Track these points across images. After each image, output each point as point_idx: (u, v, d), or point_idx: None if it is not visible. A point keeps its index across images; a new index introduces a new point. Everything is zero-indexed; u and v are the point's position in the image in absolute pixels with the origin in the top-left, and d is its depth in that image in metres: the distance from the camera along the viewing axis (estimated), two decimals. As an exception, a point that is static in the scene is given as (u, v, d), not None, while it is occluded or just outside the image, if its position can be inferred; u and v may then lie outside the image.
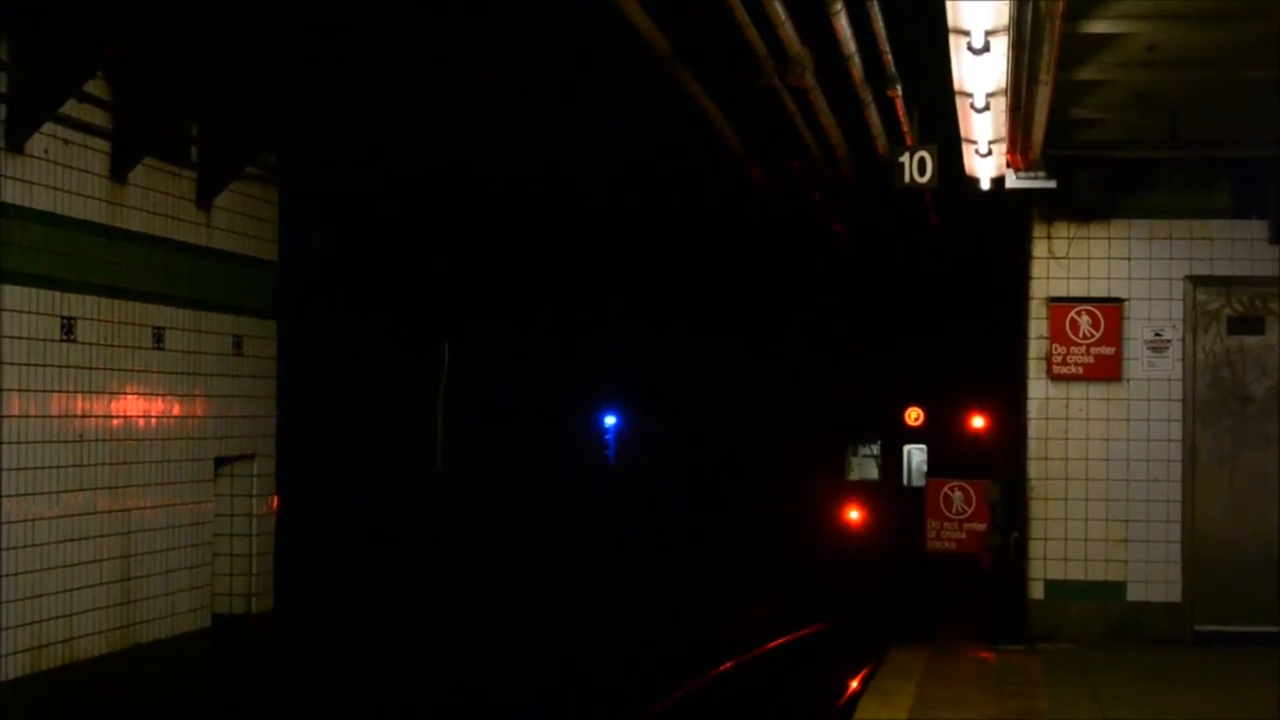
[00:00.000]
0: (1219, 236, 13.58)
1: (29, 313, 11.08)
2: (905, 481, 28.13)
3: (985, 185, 13.36)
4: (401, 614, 18.69)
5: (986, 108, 10.80)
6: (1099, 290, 13.66)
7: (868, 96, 12.83)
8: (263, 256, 14.62)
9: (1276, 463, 13.42)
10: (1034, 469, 13.63)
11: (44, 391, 11.25)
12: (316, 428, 17.91)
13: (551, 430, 26.86)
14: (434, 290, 21.03)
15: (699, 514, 28.46)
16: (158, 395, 12.82)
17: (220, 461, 14.00)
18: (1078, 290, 13.67)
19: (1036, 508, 13.60)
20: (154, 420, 12.76)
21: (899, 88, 12.56)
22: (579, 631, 19.74)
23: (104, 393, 12.04)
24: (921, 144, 13.35)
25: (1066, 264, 13.69)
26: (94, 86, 11.74)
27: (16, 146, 10.91)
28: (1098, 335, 13.54)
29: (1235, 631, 13.23)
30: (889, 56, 11.93)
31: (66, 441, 11.51)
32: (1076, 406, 13.61)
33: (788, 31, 11.06)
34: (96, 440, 11.92)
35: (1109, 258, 13.67)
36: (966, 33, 9.13)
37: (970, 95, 10.59)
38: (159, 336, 12.84)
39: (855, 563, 27.05)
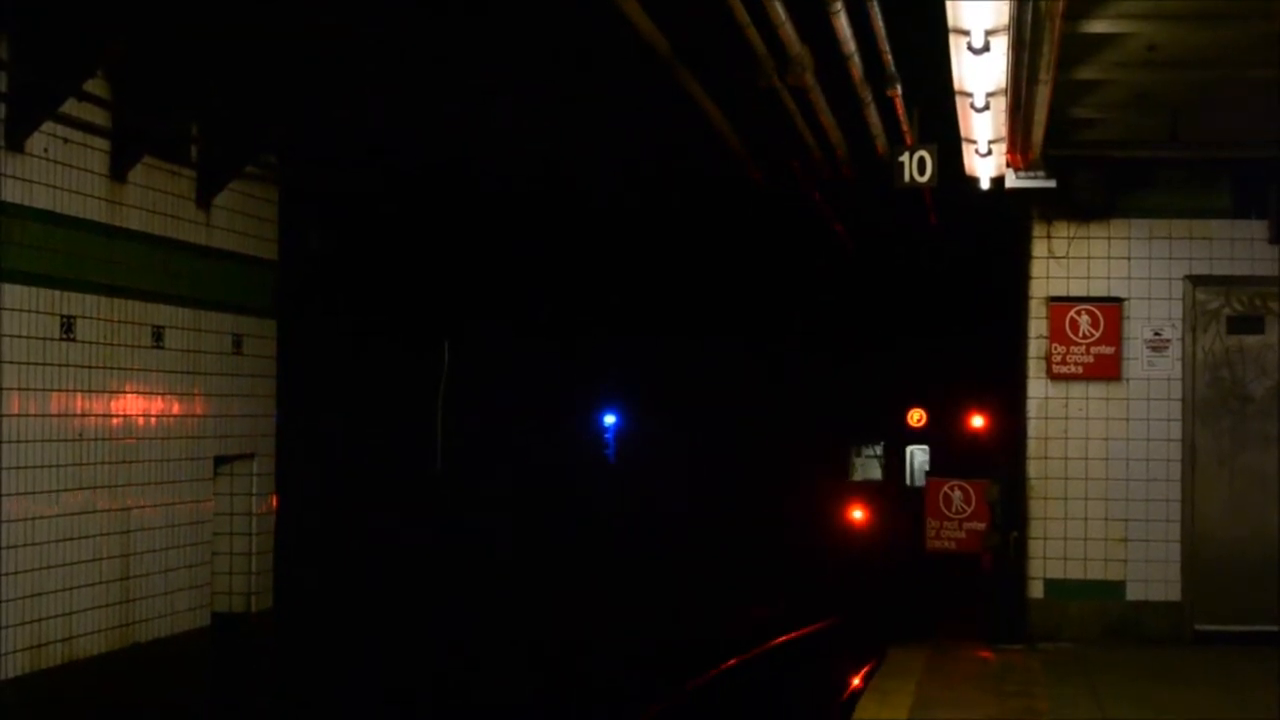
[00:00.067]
0: (1219, 236, 13.58)
1: (29, 311, 11.09)
2: (908, 482, 28.17)
3: (985, 185, 13.36)
4: (401, 613, 18.69)
5: (986, 107, 10.80)
6: (1099, 290, 13.66)
7: (867, 96, 12.83)
8: (263, 256, 14.62)
9: (1276, 462, 13.42)
10: (1033, 468, 13.63)
11: (43, 390, 11.25)
12: (316, 427, 17.91)
13: (551, 430, 26.86)
14: (434, 290, 21.03)
15: (698, 514, 28.47)
16: (157, 394, 12.82)
17: (220, 460, 14.00)
18: (1077, 290, 13.67)
19: (1036, 507, 13.60)
20: (153, 419, 12.76)
21: (899, 87, 12.56)
22: (579, 631, 19.74)
23: (103, 392, 12.04)
24: (921, 144, 13.35)
25: (1066, 263, 13.69)
26: (94, 85, 11.74)
27: (16, 145, 10.92)
28: (1097, 335, 13.55)
29: (1235, 631, 13.23)
30: (889, 56, 11.94)
31: (66, 440, 11.51)
32: (1076, 406, 13.61)
33: (788, 31, 11.06)
34: (96, 439, 11.92)
35: (1109, 257, 13.67)
36: (966, 32, 9.13)
37: (970, 95, 10.59)
38: (159, 335, 12.84)
39: (859, 562, 27.09)
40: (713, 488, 29.05)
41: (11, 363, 10.88)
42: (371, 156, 16.03)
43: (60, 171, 11.47)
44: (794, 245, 22.89)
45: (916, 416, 28.49)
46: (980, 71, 9.95)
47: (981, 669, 12.83)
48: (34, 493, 11.10)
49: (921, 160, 13.21)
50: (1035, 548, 13.59)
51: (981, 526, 14.38)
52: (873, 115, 13.35)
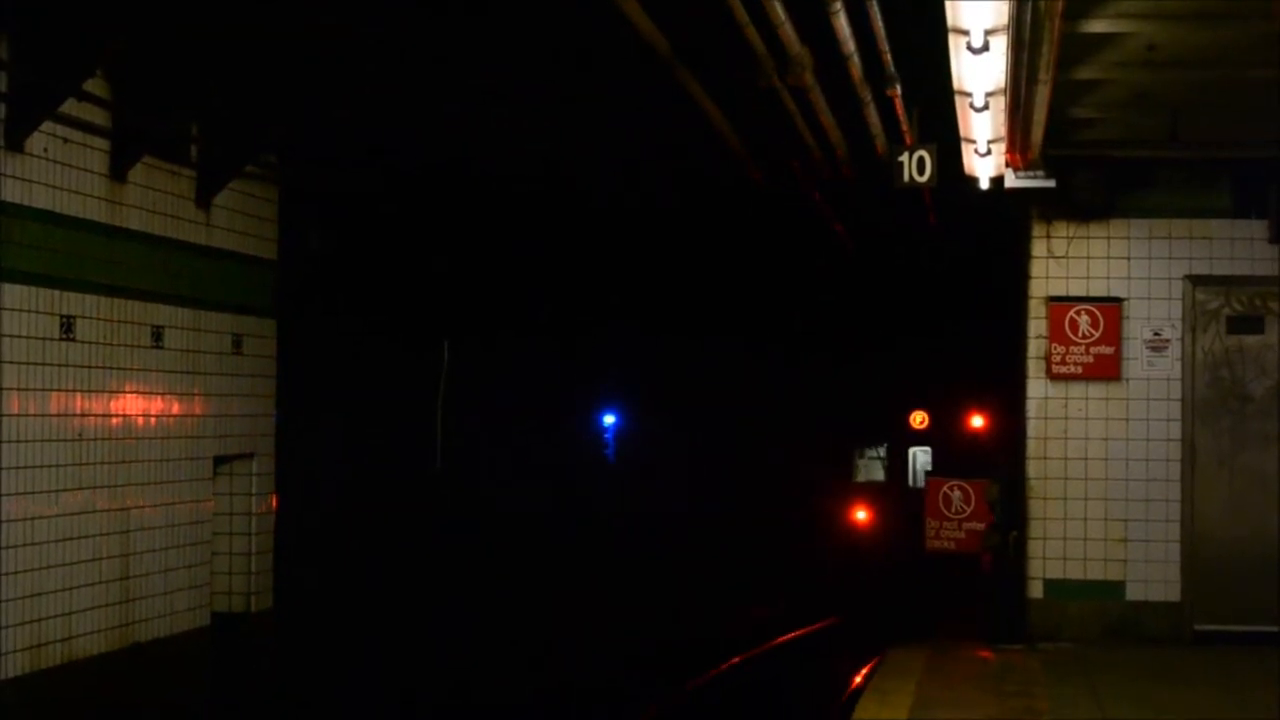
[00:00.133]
0: (1219, 236, 13.58)
1: (28, 311, 11.08)
2: (911, 483, 28.20)
3: (984, 185, 13.36)
4: (401, 613, 18.69)
5: (986, 107, 10.80)
6: (1098, 290, 13.66)
7: (867, 96, 12.83)
8: (262, 255, 14.62)
9: (1276, 462, 13.42)
10: (1033, 468, 13.63)
11: (43, 390, 11.25)
12: (316, 427, 17.91)
13: (551, 430, 26.87)
14: (434, 290, 21.03)
15: (698, 514, 28.48)
16: (157, 394, 12.82)
17: (219, 460, 14.00)
18: (1077, 290, 13.67)
19: (1036, 507, 13.59)
20: (153, 419, 12.76)
21: (898, 87, 12.56)
22: (579, 631, 19.74)
23: (103, 391, 12.04)
24: (921, 143, 13.35)
25: (1066, 263, 13.69)
26: (94, 85, 11.74)
27: (16, 145, 10.91)
28: (1097, 335, 13.54)
29: (1235, 631, 13.22)
30: (888, 56, 11.94)
31: (66, 440, 11.51)
32: (1076, 406, 13.61)
33: (787, 31, 11.06)
34: (96, 439, 11.92)
35: (1108, 257, 13.67)
36: (966, 32, 9.13)
37: (969, 95, 10.59)
38: (158, 335, 12.84)
39: (861, 562, 27.12)
40: (712, 488, 29.07)
41: (11, 363, 10.87)
42: (371, 156, 16.04)
43: (60, 171, 11.47)
44: (794, 245, 22.90)
45: (919, 418, 28.55)
46: (980, 71, 9.95)
47: (981, 669, 12.83)
48: (34, 493, 11.10)
49: (921, 160, 13.21)
50: (1035, 548, 13.59)
51: (981, 526, 14.38)
52: (872, 115, 13.35)
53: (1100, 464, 13.55)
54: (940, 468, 25.86)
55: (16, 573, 10.90)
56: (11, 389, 10.86)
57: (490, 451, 23.82)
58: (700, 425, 29.58)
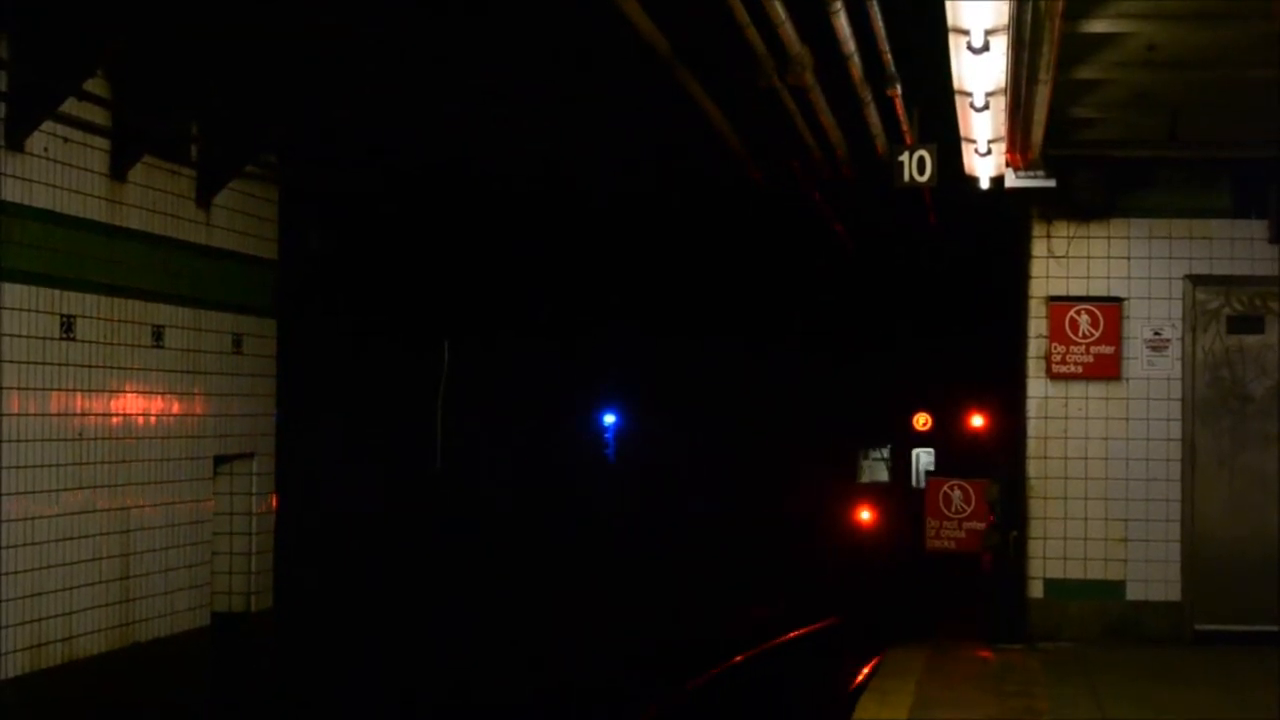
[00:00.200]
0: (1219, 236, 13.58)
1: (29, 311, 11.08)
2: (914, 484, 28.23)
3: (985, 184, 13.36)
4: (401, 613, 18.69)
5: (986, 107, 10.80)
6: (1098, 289, 13.66)
7: (867, 96, 12.83)
8: (262, 255, 14.62)
9: (1276, 462, 13.42)
10: (1033, 468, 13.63)
11: (43, 390, 11.25)
12: (316, 427, 17.91)
13: (551, 430, 26.87)
14: (434, 290, 21.03)
15: (698, 513, 28.49)
16: (157, 394, 12.82)
17: (220, 460, 13.99)
18: (1077, 289, 13.67)
19: (1036, 507, 13.59)
20: (153, 419, 12.76)
21: (899, 87, 12.56)
22: (579, 631, 19.75)
23: (103, 391, 12.04)
24: (921, 143, 13.36)
25: (1066, 263, 13.69)
26: (94, 85, 11.74)
27: (16, 145, 10.91)
28: (1097, 334, 13.55)
29: (1235, 631, 13.23)
30: (888, 56, 11.94)
31: (66, 440, 11.51)
32: (1076, 406, 13.61)
33: (788, 31, 11.06)
34: (96, 438, 11.92)
35: (1108, 257, 13.68)
36: (966, 32, 9.13)
37: (970, 94, 10.59)
38: (158, 335, 12.84)
39: (864, 562, 27.15)
40: (711, 488, 29.08)
41: (11, 362, 10.87)
42: (371, 156, 16.03)
43: (60, 171, 11.47)
44: (794, 245, 22.90)
45: (922, 420, 28.60)
46: (980, 71, 9.95)
47: (981, 669, 12.83)
48: (34, 492, 11.10)
49: (921, 160, 13.21)
50: (1035, 547, 13.59)
51: (981, 526, 14.38)
52: (873, 115, 13.35)
53: (1100, 464, 13.55)
54: (941, 467, 25.89)
55: (17, 572, 10.90)
56: (12, 388, 10.86)
57: (490, 451, 23.82)
58: (700, 425, 29.59)
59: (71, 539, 11.56)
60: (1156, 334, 13.57)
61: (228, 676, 13.85)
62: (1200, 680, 12.00)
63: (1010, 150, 12.39)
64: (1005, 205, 13.99)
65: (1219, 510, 13.48)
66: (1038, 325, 13.68)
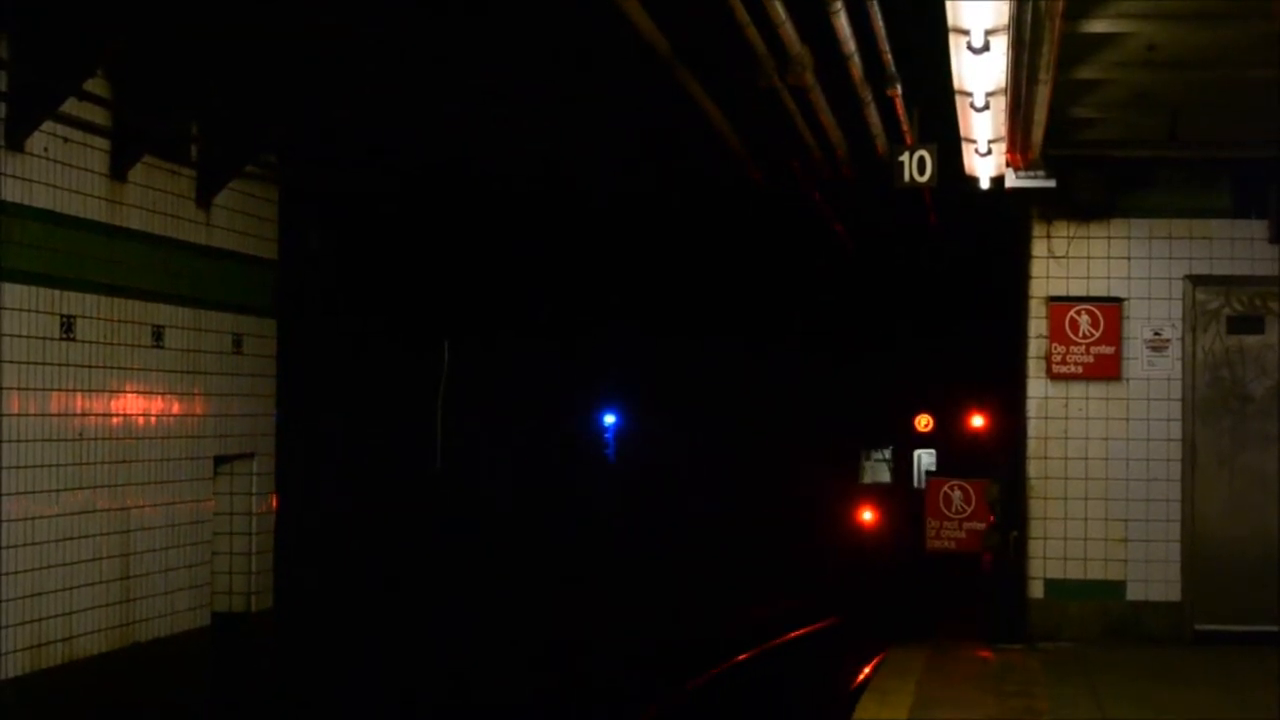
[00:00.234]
0: (1219, 236, 13.58)
1: (29, 311, 11.08)
2: (916, 484, 28.26)
3: (985, 185, 13.36)
4: (401, 613, 18.70)
5: (986, 107, 10.80)
6: (1099, 290, 13.66)
7: (867, 96, 12.83)
8: (263, 255, 14.62)
9: (1276, 462, 13.42)
10: (1033, 468, 13.63)
11: (43, 390, 11.25)
12: (316, 427, 17.91)
13: (551, 430, 26.87)
14: (434, 290, 21.03)
15: (697, 514, 28.50)
16: (157, 394, 12.82)
17: (220, 460, 13.99)
18: (1077, 290, 13.67)
19: (1036, 507, 13.59)
20: (153, 419, 12.76)
21: (899, 87, 12.56)
22: (579, 631, 19.75)
23: (103, 391, 12.04)
24: (921, 143, 13.36)
25: (1066, 263, 13.69)
26: (94, 85, 11.74)
27: (16, 145, 10.91)
28: (1097, 335, 13.55)
29: (1235, 631, 13.23)
30: (889, 56, 11.94)
31: (66, 440, 11.51)
32: (1076, 406, 13.61)
33: (788, 31, 11.06)
34: (96, 439, 11.92)
35: (1108, 257, 13.67)
36: (966, 32, 9.13)
37: (970, 94, 10.59)
38: (158, 335, 12.84)
39: (866, 562, 27.18)
40: (711, 488, 29.09)
41: (11, 362, 10.87)
42: (371, 156, 16.03)
43: (60, 171, 11.47)
44: (794, 245, 22.90)
45: (924, 421, 28.64)
46: (980, 71, 9.95)
47: (981, 669, 12.83)
48: (34, 492, 11.10)
49: (921, 160, 13.21)
50: (1035, 547, 13.59)
51: (981, 526, 14.38)
52: (873, 115, 13.35)
53: (1100, 464, 13.55)
54: (942, 467, 25.91)
55: (17, 572, 10.90)
56: (12, 389, 10.86)
57: (490, 451, 23.82)
58: (700, 425, 29.60)
59: (72, 539, 11.56)
60: (1156, 334, 13.57)
61: (228, 676, 13.85)
62: (1200, 680, 12.00)
63: (1010, 150, 12.39)
64: (1005, 205, 13.99)
65: (1219, 510, 13.48)
66: (1038, 325, 13.68)
